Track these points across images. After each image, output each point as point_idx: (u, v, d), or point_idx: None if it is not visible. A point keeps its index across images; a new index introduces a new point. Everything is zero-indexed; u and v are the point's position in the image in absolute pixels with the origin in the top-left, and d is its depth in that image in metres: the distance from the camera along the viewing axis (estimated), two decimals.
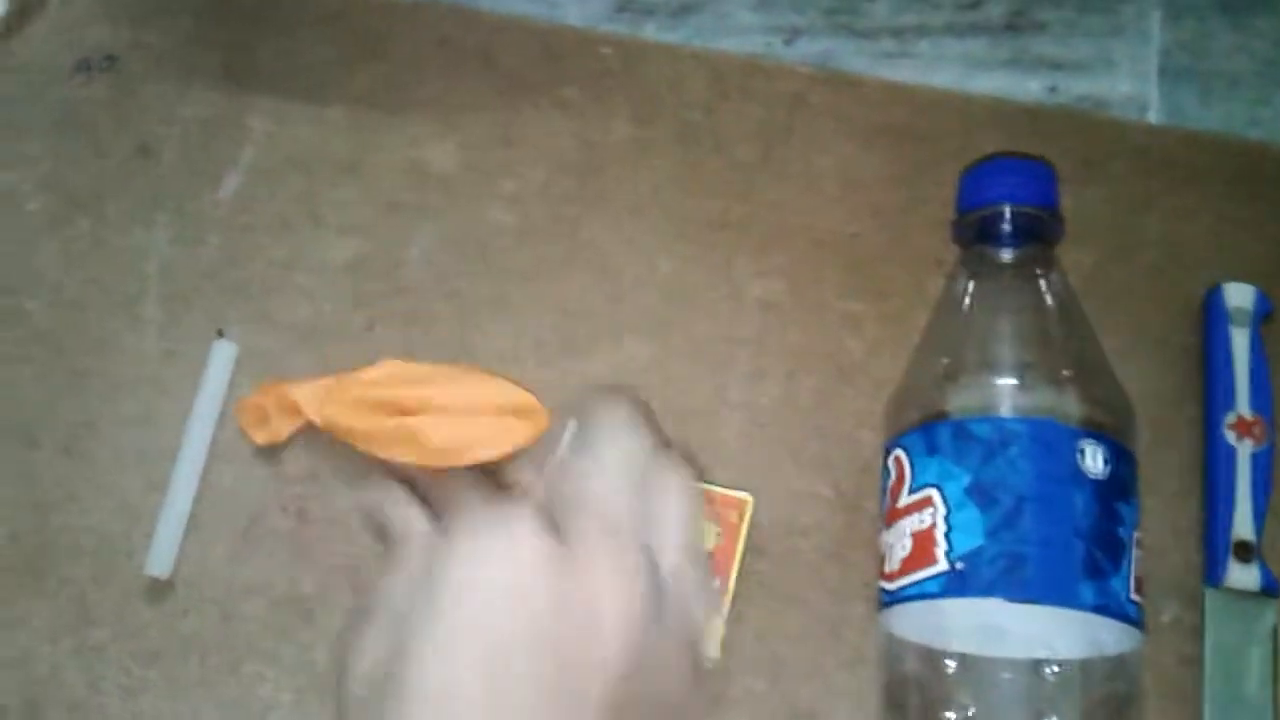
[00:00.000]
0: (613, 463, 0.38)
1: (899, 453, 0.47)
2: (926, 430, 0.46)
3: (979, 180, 0.52)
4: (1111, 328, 0.54)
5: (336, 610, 0.50)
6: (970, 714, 0.41)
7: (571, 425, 0.52)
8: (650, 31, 0.63)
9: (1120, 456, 0.45)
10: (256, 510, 0.52)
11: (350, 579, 0.51)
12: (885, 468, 0.48)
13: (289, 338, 0.55)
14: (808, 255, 0.57)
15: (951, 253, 0.54)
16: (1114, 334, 0.53)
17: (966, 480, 0.44)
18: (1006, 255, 0.50)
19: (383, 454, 0.50)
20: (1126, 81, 0.62)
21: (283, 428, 0.52)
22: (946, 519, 0.44)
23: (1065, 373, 0.46)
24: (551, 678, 0.32)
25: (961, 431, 0.45)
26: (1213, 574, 0.50)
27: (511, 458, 0.51)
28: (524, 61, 0.61)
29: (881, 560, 0.47)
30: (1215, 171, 0.58)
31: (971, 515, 0.43)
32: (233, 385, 0.54)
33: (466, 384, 0.51)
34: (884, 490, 0.48)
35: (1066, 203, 0.54)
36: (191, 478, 0.52)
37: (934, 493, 0.45)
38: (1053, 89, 0.62)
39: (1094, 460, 0.44)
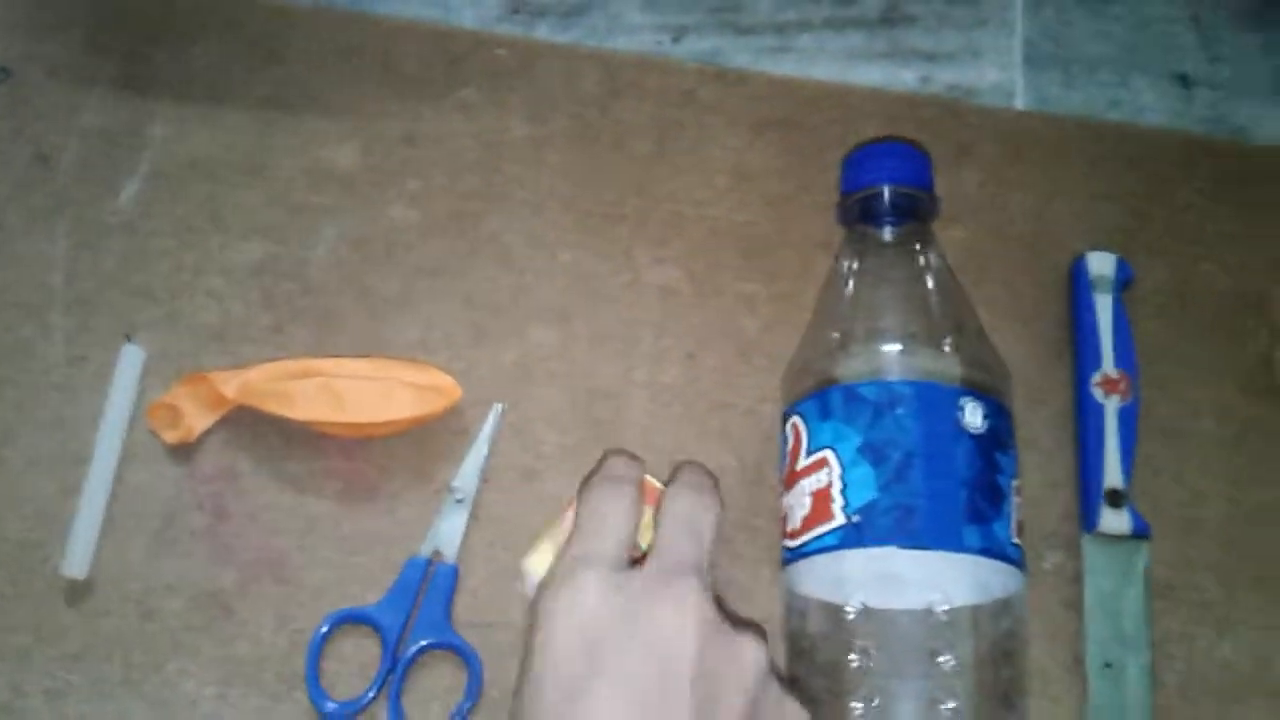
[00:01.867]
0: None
1: (795, 419, 0.50)
2: (820, 396, 0.49)
3: (859, 164, 0.55)
4: (986, 298, 0.57)
5: (257, 603, 0.51)
6: (871, 658, 0.44)
7: (497, 408, 0.54)
8: (543, 32, 0.65)
9: (997, 412, 0.48)
10: (171, 509, 0.52)
11: (272, 571, 0.52)
12: (783, 434, 0.51)
13: (198, 340, 0.56)
14: (703, 242, 0.59)
15: (837, 235, 0.57)
16: (989, 304, 0.57)
17: (858, 440, 0.47)
18: (887, 233, 0.53)
19: (302, 415, 0.51)
20: (993, 70, 0.66)
21: (197, 423, 0.53)
22: (842, 476, 0.47)
23: (945, 338, 0.49)
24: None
25: (852, 395, 0.48)
26: (1088, 521, 0.53)
27: (428, 423, 0.53)
28: (422, 64, 0.62)
29: (783, 521, 0.49)
30: (1078, 152, 0.62)
31: (865, 472, 0.46)
32: (143, 388, 0.55)
33: (381, 362, 0.53)
34: (783, 456, 0.51)
35: (941, 184, 0.58)
36: (105, 479, 0.52)
37: (829, 454, 0.47)
38: (925, 79, 0.65)
39: (974, 416, 0.47)
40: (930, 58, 0.66)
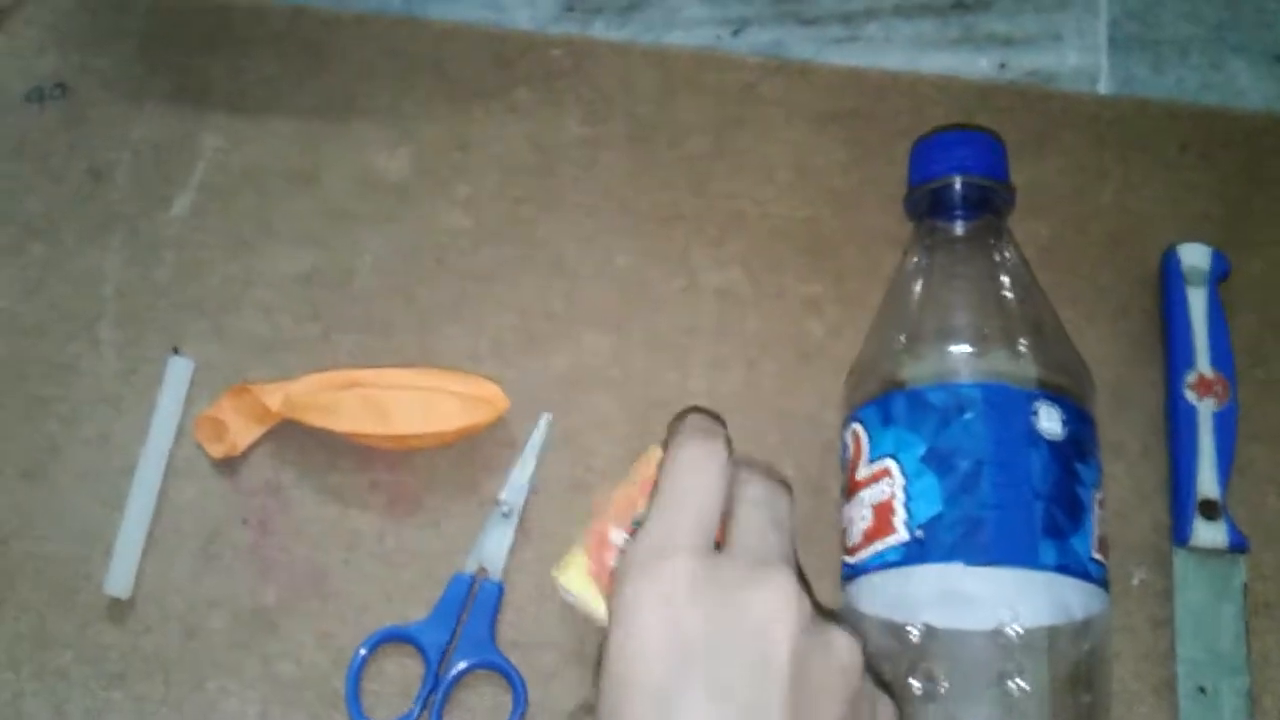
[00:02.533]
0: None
1: (856, 426, 0.47)
2: (882, 402, 0.45)
3: (929, 153, 0.51)
4: (1070, 295, 0.54)
5: (300, 619, 0.50)
6: (936, 682, 0.41)
7: (546, 417, 0.52)
8: (599, 30, 0.63)
9: (1077, 417, 0.44)
10: (216, 524, 0.51)
11: (316, 586, 0.50)
12: (843, 442, 0.48)
13: (246, 351, 0.55)
14: (764, 242, 0.56)
15: (906, 231, 0.54)
16: (1073, 301, 0.53)
17: (922, 448, 0.43)
18: (959, 227, 0.50)
19: (347, 427, 0.50)
20: (1075, 54, 0.62)
21: (242, 437, 0.52)
22: (905, 488, 0.43)
23: (1019, 338, 0.46)
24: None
25: (917, 400, 0.44)
26: (1180, 533, 0.49)
27: (474, 434, 0.51)
28: (474, 67, 0.61)
29: (843, 535, 0.46)
30: (1168, 138, 0.58)
31: (929, 483, 0.43)
32: (190, 401, 0.54)
33: (427, 372, 0.51)
34: (843, 465, 0.47)
35: (1021, 176, 0.54)
36: (149, 495, 0.51)
37: (891, 463, 0.44)
38: (1002, 65, 0.62)
39: (1049, 421, 0.43)
40: (1007, 42, 0.62)
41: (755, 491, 0.38)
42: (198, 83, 0.61)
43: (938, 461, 0.43)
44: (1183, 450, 0.50)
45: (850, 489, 0.46)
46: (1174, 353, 0.51)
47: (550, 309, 0.55)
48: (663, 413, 0.53)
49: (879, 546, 0.43)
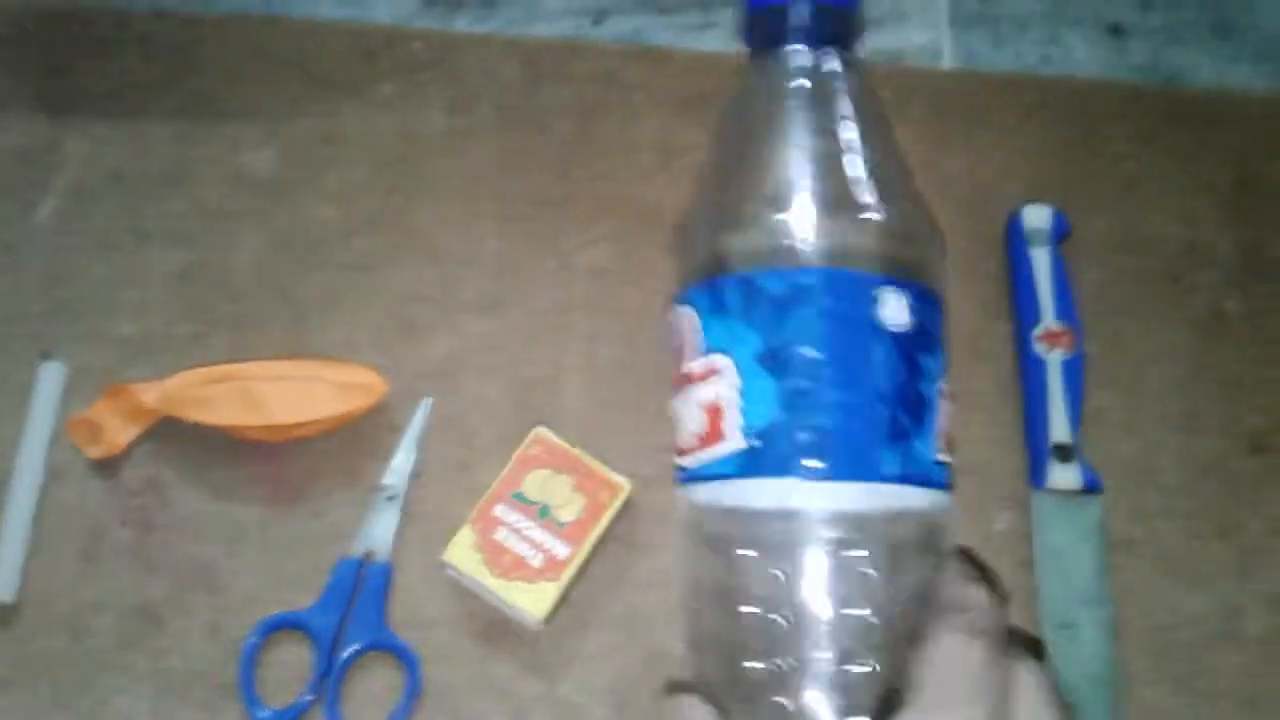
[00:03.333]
0: None
1: (687, 310, 0.41)
2: (714, 288, 0.40)
3: None
4: None
5: (188, 614, 0.50)
6: (770, 593, 0.38)
7: (426, 401, 0.53)
8: (461, 25, 0.64)
9: (925, 301, 0.40)
10: (97, 525, 0.51)
11: (202, 580, 0.50)
12: (672, 324, 0.42)
13: (120, 353, 0.55)
14: (632, 222, 0.58)
15: None
16: None
17: (759, 345, 0.39)
18: (801, 60, 0.42)
19: (224, 420, 0.50)
20: (919, 32, 0.65)
21: (119, 436, 0.51)
22: (740, 390, 0.39)
23: (863, 201, 0.40)
24: None
25: (750, 288, 0.39)
26: (1036, 477, 0.52)
27: (354, 421, 0.51)
28: (338, 63, 0.61)
29: (673, 431, 0.42)
30: (1010, 108, 0.61)
31: (765, 385, 0.38)
32: (66, 405, 0.53)
33: (303, 363, 0.52)
34: (671, 351, 0.42)
35: None
36: (28, 500, 0.51)
37: (725, 360, 0.39)
38: None
39: (897, 310, 0.39)
40: None
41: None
42: (61, 90, 0.60)
43: (774, 361, 0.38)
44: (1035, 398, 0.53)
45: (679, 381, 0.41)
46: (1022, 308, 0.54)
47: (426, 295, 0.56)
48: (542, 389, 0.54)
49: (711, 454, 0.39)
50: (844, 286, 0.39)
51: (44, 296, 0.56)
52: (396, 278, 0.56)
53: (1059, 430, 0.52)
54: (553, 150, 0.60)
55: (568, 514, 0.49)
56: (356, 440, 0.53)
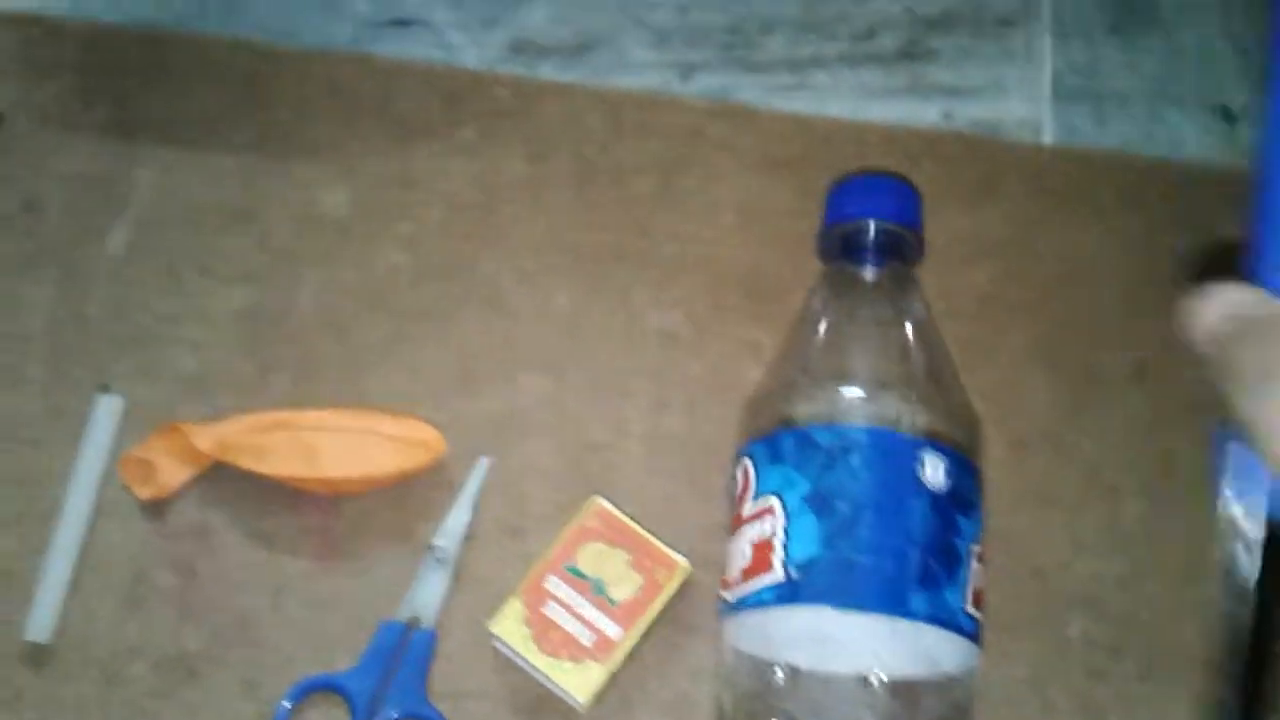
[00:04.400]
0: None
1: (746, 461, 0.46)
2: (772, 439, 0.45)
3: (843, 196, 0.52)
4: (1008, 346, 0.54)
5: (225, 667, 0.48)
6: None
7: (484, 461, 0.51)
8: (546, 72, 0.63)
9: (962, 469, 0.44)
10: (141, 568, 0.50)
11: (241, 633, 0.49)
12: (733, 476, 0.47)
13: (177, 390, 0.54)
14: (706, 286, 0.56)
15: None
16: (1009, 353, 0.54)
17: (806, 488, 0.43)
18: (867, 271, 0.50)
19: (277, 470, 0.49)
20: (1019, 105, 0.62)
21: (171, 478, 0.50)
22: (785, 528, 0.43)
23: (911, 385, 0.46)
24: None
25: (804, 440, 0.44)
26: None
27: (409, 478, 0.50)
28: (418, 105, 0.60)
29: (725, 569, 0.46)
30: (1109, 188, 0.58)
31: (809, 523, 0.42)
32: (119, 441, 0.52)
33: (362, 414, 0.50)
34: (730, 499, 0.47)
35: (964, 223, 0.54)
36: (74, 538, 0.50)
37: (775, 501, 0.44)
38: (947, 115, 0.62)
39: (934, 471, 0.43)
40: (953, 93, 0.63)
41: None
42: (134, 115, 0.60)
43: (819, 503, 0.43)
44: None
45: (735, 524, 0.46)
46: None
47: (489, 349, 0.55)
48: (600, 457, 0.52)
49: (755, 585, 0.43)
50: (889, 443, 0.43)
51: (106, 327, 0.55)
52: (461, 329, 0.55)
53: None
54: (631, 206, 0.58)
55: (622, 592, 0.47)
56: (409, 497, 0.51)
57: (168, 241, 0.57)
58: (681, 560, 0.48)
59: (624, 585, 0.47)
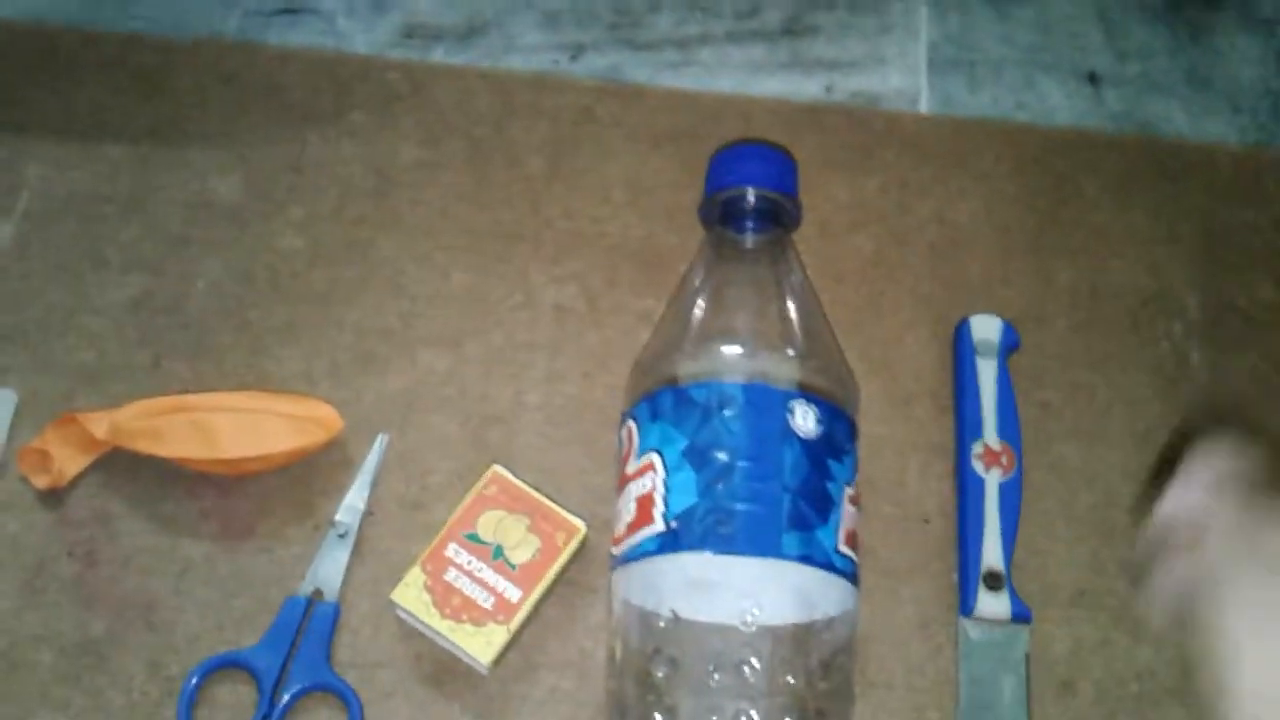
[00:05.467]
0: None
1: (630, 423, 0.48)
2: (652, 398, 0.46)
3: (723, 164, 0.53)
4: (891, 305, 0.56)
5: (130, 651, 0.48)
6: (679, 668, 0.42)
7: (382, 437, 0.52)
8: (439, 55, 0.63)
9: (834, 416, 0.46)
10: (41, 557, 0.50)
11: (145, 616, 0.49)
12: (619, 438, 0.49)
13: (72, 381, 0.54)
14: (601, 260, 0.57)
15: None
16: (895, 310, 0.55)
17: (684, 443, 0.45)
18: (747, 238, 0.51)
19: (175, 452, 0.49)
20: (897, 75, 0.64)
21: (69, 466, 0.50)
22: (665, 481, 0.44)
23: (785, 341, 0.47)
24: None
25: (681, 397, 0.45)
26: (965, 603, 0.49)
27: (308, 456, 0.50)
28: (310, 91, 0.61)
29: (612, 528, 0.47)
30: (983, 153, 0.61)
31: (687, 476, 0.44)
32: (16, 433, 0.52)
33: (258, 395, 0.51)
34: (617, 460, 0.48)
35: (845, 192, 0.56)
36: None
37: (655, 457, 0.45)
38: (829, 88, 0.64)
39: (805, 420, 0.45)
40: (833, 66, 0.64)
41: None
42: (23, 111, 0.59)
43: (696, 456, 0.44)
44: (969, 520, 0.50)
45: (620, 482, 0.47)
46: (963, 422, 0.52)
47: (387, 328, 0.55)
48: (499, 428, 0.53)
49: (639, 537, 0.44)
50: (760, 396, 0.45)
51: None
52: (358, 310, 0.56)
53: (991, 555, 0.50)
54: (523, 185, 0.59)
55: (521, 556, 0.48)
56: (309, 475, 0.52)
57: (58, 234, 0.57)
58: (578, 522, 0.49)
59: (523, 549, 0.48)
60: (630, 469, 0.46)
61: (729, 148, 0.54)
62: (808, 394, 0.45)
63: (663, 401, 0.46)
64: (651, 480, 0.45)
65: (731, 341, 0.47)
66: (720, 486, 0.43)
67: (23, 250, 0.56)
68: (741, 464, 0.44)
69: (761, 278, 0.50)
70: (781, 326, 0.48)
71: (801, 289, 0.51)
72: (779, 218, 0.52)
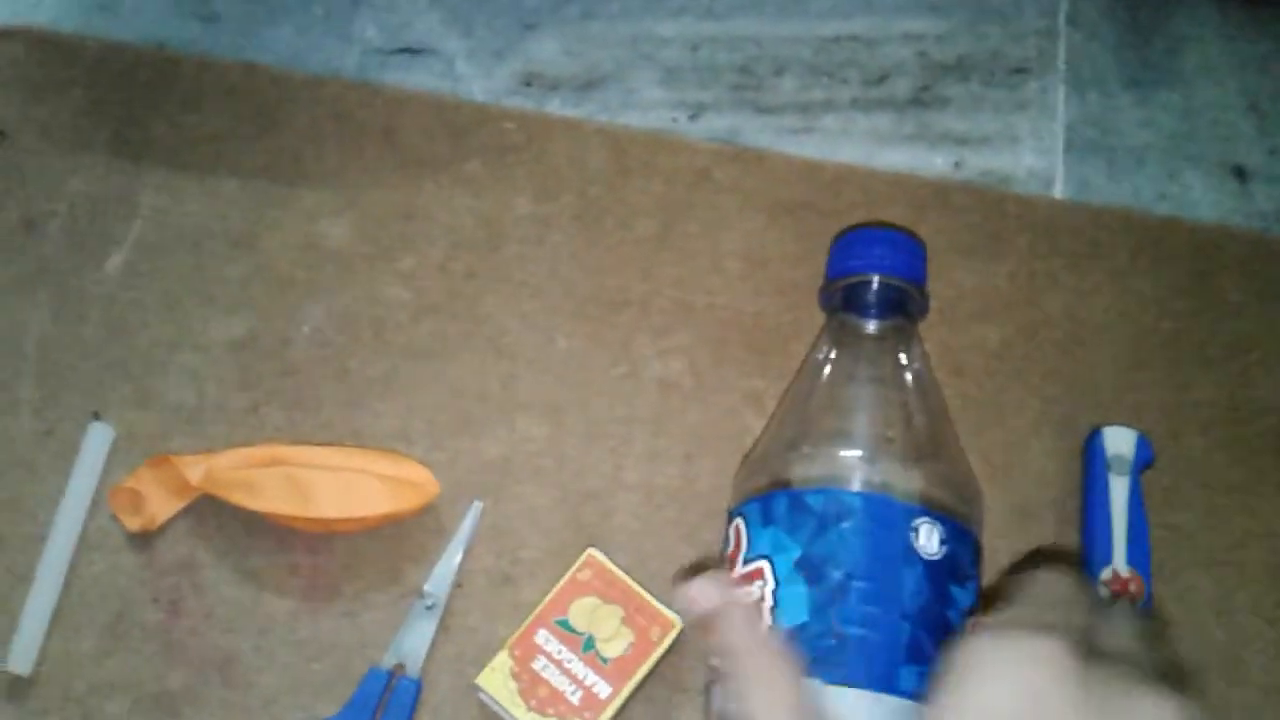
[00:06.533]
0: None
1: (738, 521, 0.45)
2: (765, 499, 0.44)
3: (848, 248, 0.51)
4: (1015, 408, 0.53)
5: (205, 708, 0.47)
6: None
7: (476, 506, 0.50)
8: (555, 107, 0.62)
9: (958, 537, 0.43)
10: (126, 602, 0.49)
11: (223, 673, 0.48)
12: (725, 535, 0.46)
13: (169, 419, 0.53)
14: (709, 333, 0.55)
15: None
16: (1019, 409, 0.53)
17: (797, 553, 0.42)
18: (870, 325, 0.49)
19: (268, 507, 0.48)
20: (1031, 156, 0.61)
21: (160, 510, 0.50)
22: (775, 593, 0.42)
23: (911, 449, 0.45)
24: None
25: (798, 503, 0.43)
26: None
27: (401, 520, 0.49)
28: (425, 137, 0.60)
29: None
30: (1119, 245, 0.58)
31: (799, 590, 0.42)
32: (109, 469, 0.52)
33: (355, 452, 0.50)
34: (723, 559, 0.46)
35: (972, 278, 0.54)
36: (59, 567, 0.49)
37: (765, 565, 0.43)
38: (957, 164, 0.61)
39: (929, 539, 0.42)
40: (963, 141, 0.62)
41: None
42: (140, 137, 0.59)
43: (810, 569, 0.42)
44: None
45: None
46: (1092, 546, 0.49)
47: (487, 390, 0.54)
48: (595, 505, 0.51)
49: None
50: (882, 510, 0.42)
51: (101, 353, 0.54)
52: (458, 368, 0.54)
53: None
54: (634, 248, 0.57)
55: (613, 650, 0.46)
56: (399, 539, 0.50)
57: (168, 266, 0.56)
58: (675, 617, 0.47)
59: (616, 642, 0.46)
60: (738, 572, 0.44)
61: (854, 230, 0.52)
62: (933, 510, 0.43)
63: (776, 505, 0.44)
64: (760, 589, 0.43)
65: (852, 446, 0.44)
66: (834, 607, 0.41)
67: (132, 281, 0.56)
68: (859, 584, 0.41)
69: (885, 374, 0.48)
70: (907, 432, 0.45)
71: (928, 387, 0.48)
72: (905, 307, 0.49)
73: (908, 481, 0.43)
